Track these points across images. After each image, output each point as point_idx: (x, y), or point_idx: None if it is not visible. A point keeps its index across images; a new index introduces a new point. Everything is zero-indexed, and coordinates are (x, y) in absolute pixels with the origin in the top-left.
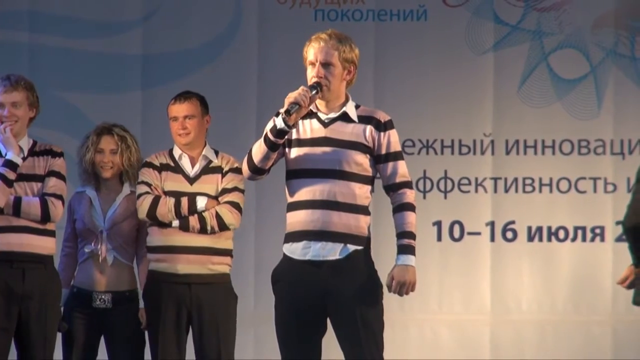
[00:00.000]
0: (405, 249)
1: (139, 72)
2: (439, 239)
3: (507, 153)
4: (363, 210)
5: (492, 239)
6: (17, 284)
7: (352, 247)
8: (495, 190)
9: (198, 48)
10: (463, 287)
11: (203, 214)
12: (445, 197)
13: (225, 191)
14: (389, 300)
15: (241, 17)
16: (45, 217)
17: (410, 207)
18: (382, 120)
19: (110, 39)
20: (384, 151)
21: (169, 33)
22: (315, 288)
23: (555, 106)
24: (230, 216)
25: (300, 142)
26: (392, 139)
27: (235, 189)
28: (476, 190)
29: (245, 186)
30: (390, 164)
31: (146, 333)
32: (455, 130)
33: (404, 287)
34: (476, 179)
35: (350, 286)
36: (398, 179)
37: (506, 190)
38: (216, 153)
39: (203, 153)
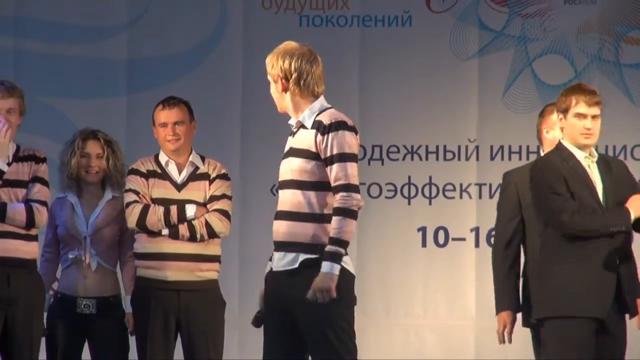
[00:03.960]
0: (326, 256)
1: (124, 77)
2: (424, 244)
3: (492, 159)
4: (319, 218)
5: (477, 244)
6: (2, 289)
7: (303, 256)
8: (480, 196)
9: (183, 53)
10: (448, 292)
11: (192, 222)
12: (430, 203)
13: (213, 198)
14: (375, 304)
15: (226, 22)
16: (30, 223)
17: (339, 212)
18: (325, 124)
19: (95, 44)
20: (324, 155)
21: (154, 38)
22: (282, 297)
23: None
24: (219, 224)
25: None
26: (334, 142)
27: (223, 196)
28: (461, 196)
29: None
30: (330, 167)
31: (131, 338)
32: (439, 136)
33: (319, 294)
34: (461, 185)
35: (303, 295)
36: (334, 182)
37: (491, 196)
38: (202, 159)
39: (190, 159)
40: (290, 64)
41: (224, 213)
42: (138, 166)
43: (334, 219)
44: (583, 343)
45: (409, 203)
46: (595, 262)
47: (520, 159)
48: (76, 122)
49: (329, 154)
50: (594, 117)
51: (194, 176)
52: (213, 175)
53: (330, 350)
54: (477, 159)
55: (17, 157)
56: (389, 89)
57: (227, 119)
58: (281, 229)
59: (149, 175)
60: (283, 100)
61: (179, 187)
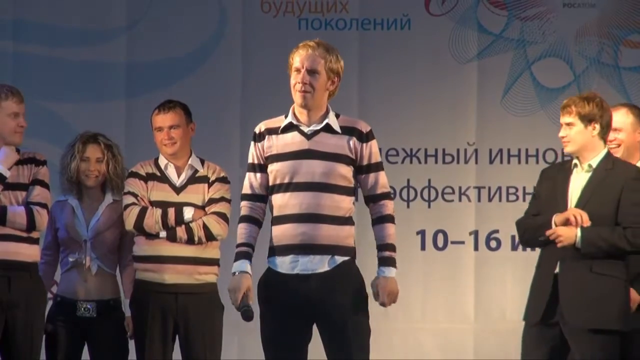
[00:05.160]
0: (386, 261)
1: (123, 80)
2: (423, 248)
3: (491, 162)
4: (348, 221)
5: (476, 248)
6: (3, 293)
7: (339, 259)
8: (479, 200)
9: (182, 56)
10: (447, 296)
11: (190, 224)
12: (429, 206)
13: (212, 201)
14: (373, 309)
15: (225, 25)
16: (31, 226)
17: (391, 219)
18: (364, 131)
19: (94, 48)
20: (366, 162)
21: (153, 41)
22: (303, 300)
23: (538, 115)
24: (217, 227)
25: (283, 156)
26: (374, 150)
27: (222, 199)
28: (460, 200)
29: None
30: (372, 175)
31: (131, 342)
32: (439, 139)
33: (389, 298)
34: (460, 188)
35: (340, 296)
36: (379, 190)
37: (490, 200)
38: (202, 162)
39: (189, 162)
40: (343, 67)
41: (221, 216)
42: (137, 169)
43: (388, 225)
44: (528, 347)
45: (408, 206)
46: (542, 268)
47: (519, 162)
48: (75, 125)
49: (372, 161)
50: (567, 124)
51: (193, 179)
52: (212, 178)
53: (364, 340)
54: (476, 162)
55: (17, 161)
56: (388, 92)
57: (226, 122)
58: (315, 231)
59: (148, 178)
60: (319, 97)
61: (178, 190)
